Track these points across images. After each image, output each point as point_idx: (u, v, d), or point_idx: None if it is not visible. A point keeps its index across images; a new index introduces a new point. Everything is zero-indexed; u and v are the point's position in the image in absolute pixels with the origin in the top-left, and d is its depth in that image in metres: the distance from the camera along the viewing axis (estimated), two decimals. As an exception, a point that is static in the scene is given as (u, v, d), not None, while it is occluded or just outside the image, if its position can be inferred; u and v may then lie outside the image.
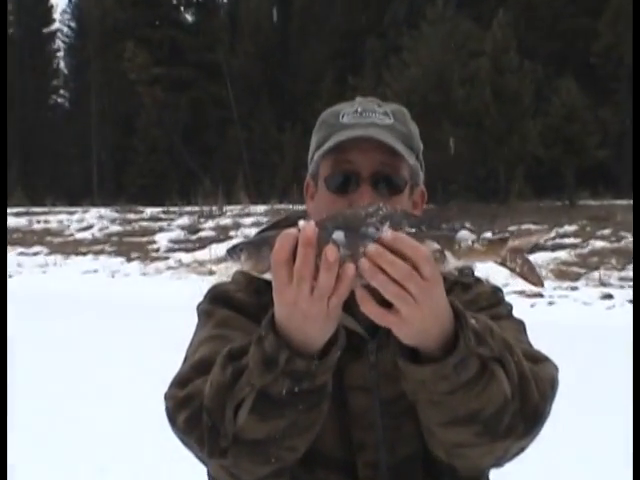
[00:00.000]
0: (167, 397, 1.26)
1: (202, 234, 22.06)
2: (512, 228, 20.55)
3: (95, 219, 24.85)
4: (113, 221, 24.65)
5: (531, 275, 1.08)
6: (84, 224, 24.16)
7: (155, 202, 28.26)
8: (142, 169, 36.41)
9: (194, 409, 1.20)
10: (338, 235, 1.03)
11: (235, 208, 25.55)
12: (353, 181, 1.34)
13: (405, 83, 25.29)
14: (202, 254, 18.73)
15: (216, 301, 1.42)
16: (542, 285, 1.09)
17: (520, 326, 1.43)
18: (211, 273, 16.32)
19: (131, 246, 20.87)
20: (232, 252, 1.09)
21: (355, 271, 1.02)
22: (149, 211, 26.34)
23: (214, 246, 18.52)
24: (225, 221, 23.58)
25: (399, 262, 1.01)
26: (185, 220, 24.19)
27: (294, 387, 1.10)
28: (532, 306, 11.21)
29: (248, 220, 22.92)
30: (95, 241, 21.98)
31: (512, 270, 1.07)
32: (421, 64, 25.08)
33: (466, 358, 1.12)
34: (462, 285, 1.43)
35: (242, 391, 1.14)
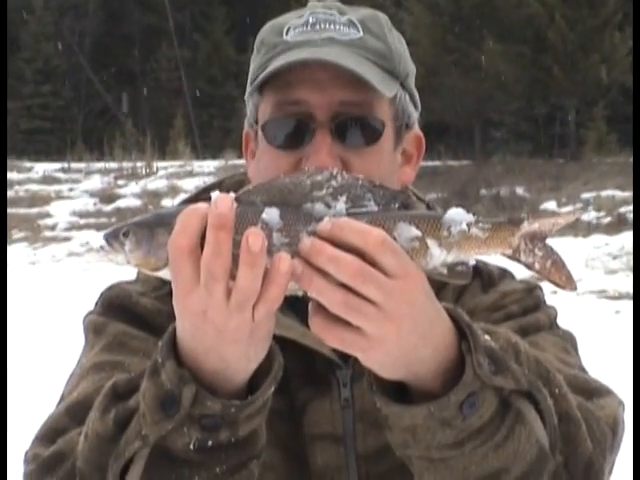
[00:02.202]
0: (27, 458, 1.27)
1: (121, 203, 21.96)
2: (587, 195, 20.60)
3: (-41, 181, 24.75)
4: (-14, 184, 24.56)
5: (556, 273, 1.10)
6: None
7: (50, 155, 28.06)
8: (29, 105, 36.11)
9: (64, 474, 1.19)
10: (270, 214, 1.03)
11: (172, 165, 25.47)
12: (304, 129, 1.35)
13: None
14: (121, 234, 18.69)
15: (111, 310, 1.43)
16: (573, 287, 1.10)
17: (567, 342, 1.45)
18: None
19: (13, 221, 20.81)
20: (112, 237, 1.07)
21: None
22: (40, 168, 26.22)
23: (139, 222, 18.52)
24: (156, 184, 23.49)
25: (344, 256, 0.99)
26: (96, 182, 24.06)
27: (206, 440, 1.09)
28: (617, 312, 11.35)
29: (191, 182, 22.85)
30: (-41, 214, 21.91)
31: (529, 266, 1.10)
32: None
33: (477, 393, 1.11)
34: (481, 282, 1.45)
35: (131, 446, 1.12)
